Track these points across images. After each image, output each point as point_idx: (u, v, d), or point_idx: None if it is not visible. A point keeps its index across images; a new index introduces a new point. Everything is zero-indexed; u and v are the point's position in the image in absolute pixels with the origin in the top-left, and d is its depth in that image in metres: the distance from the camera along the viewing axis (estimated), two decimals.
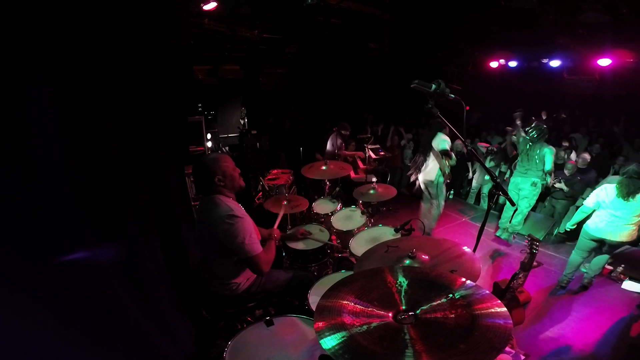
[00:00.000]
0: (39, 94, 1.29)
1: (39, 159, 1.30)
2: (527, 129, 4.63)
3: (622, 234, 3.38)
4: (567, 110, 8.21)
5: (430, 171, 4.62)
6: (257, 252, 2.06)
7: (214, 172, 2.08)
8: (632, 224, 3.34)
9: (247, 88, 8.23)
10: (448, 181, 4.72)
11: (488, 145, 6.35)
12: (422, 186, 4.85)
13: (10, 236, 1.21)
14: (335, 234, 3.28)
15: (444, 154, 4.40)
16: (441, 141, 4.44)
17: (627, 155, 5.70)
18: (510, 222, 4.89)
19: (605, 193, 3.47)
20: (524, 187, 4.64)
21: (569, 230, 4.11)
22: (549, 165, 4.41)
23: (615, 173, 4.90)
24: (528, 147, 4.57)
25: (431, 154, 4.57)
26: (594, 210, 3.59)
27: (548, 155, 4.41)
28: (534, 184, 4.57)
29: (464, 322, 1.13)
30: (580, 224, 3.78)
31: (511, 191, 4.79)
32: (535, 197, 4.72)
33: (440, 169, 4.52)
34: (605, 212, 3.45)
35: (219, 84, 7.33)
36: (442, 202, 4.79)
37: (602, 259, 3.71)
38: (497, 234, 5.06)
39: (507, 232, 4.93)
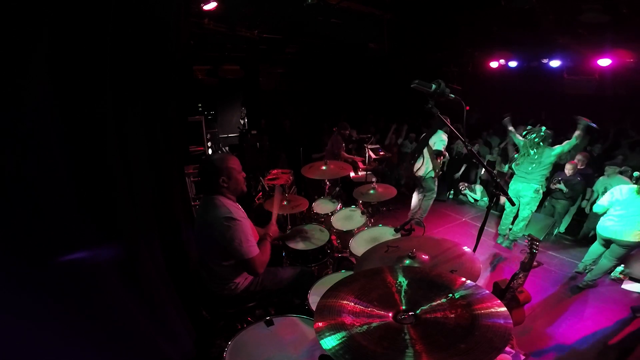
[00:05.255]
0: (39, 94, 1.29)
1: (39, 159, 1.30)
2: (525, 133, 4.48)
3: (630, 234, 3.41)
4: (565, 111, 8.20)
5: (421, 167, 4.69)
6: (253, 254, 2.06)
7: (219, 173, 2.08)
8: None
9: (247, 88, 8.22)
10: (440, 172, 4.79)
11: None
12: (415, 181, 4.94)
13: (10, 236, 1.21)
14: (335, 234, 3.28)
15: (438, 154, 4.47)
16: (438, 140, 4.48)
17: (624, 155, 5.68)
18: (511, 229, 4.79)
19: (619, 192, 3.53)
20: (525, 194, 4.45)
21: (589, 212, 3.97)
22: (566, 146, 4.24)
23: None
24: (533, 152, 4.33)
25: (426, 151, 4.62)
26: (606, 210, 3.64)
27: (558, 150, 4.25)
28: (536, 191, 4.40)
29: (464, 322, 1.13)
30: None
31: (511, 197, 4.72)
32: (537, 203, 4.57)
33: (432, 165, 4.58)
34: (615, 212, 3.51)
35: (219, 84, 7.33)
36: (434, 195, 4.92)
37: (606, 264, 3.72)
38: (498, 242, 4.92)
39: (508, 240, 4.78)
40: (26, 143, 1.26)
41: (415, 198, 5.13)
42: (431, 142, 4.56)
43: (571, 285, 3.93)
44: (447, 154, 4.64)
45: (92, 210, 1.54)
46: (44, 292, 1.31)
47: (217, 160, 2.13)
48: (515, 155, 4.94)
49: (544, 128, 4.37)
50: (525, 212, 4.57)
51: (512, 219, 4.79)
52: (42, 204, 1.31)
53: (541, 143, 4.33)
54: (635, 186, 3.44)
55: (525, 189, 4.44)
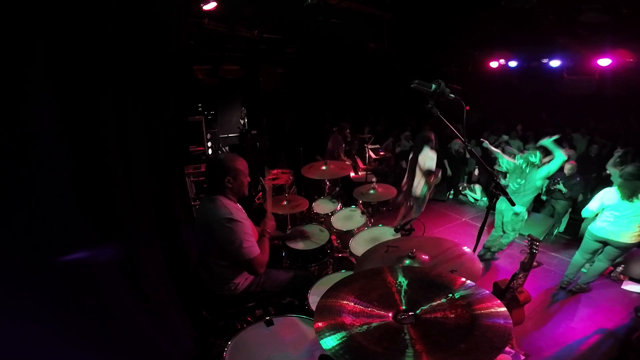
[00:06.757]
0: (39, 94, 1.29)
1: (39, 159, 1.30)
2: (524, 152, 4.18)
3: (625, 235, 3.37)
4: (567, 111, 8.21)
5: (417, 186, 4.37)
6: (254, 255, 2.06)
7: (226, 172, 2.09)
8: (635, 226, 3.32)
9: (247, 88, 8.23)
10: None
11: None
12: (410, 199, 4.57)
13: (10, 236, 1.21)
14: (335, 234, 3.28)
15: (429, 174, 4.17)
16: (428, 159, 4.17)
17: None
18: (498, 240, 4.48)
19: (608, 196, 3.47)
20: (506, 215, 4.17)
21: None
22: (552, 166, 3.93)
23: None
24: (522, 169, 4.05)
25: (417, 169, 4.31)
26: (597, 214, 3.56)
27: (544, 172, 3.92)
28: (516, 214, 4.11)
29: (464, 322, 1.13)
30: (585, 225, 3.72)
31: (495, 216, 4.38)
32: (521, 223, 4.22)
33: (426, 184, 4.29)
34: (610, 213, 3.46)
35: (219, 84, 7.34)
36: (421, 210, 4.60)
37: (600, 266, 3.69)
38: (481, 254, 4.48)
39: (494, 251, 4.53)
40: (26, 143, 1.26)
41: (403, 210, 4.78)
42: (420, 160, 4.23)
43: (570, 287, 3.91)
44: (439, 174, 4.26)
45: (92, 210, 1.54)
46: (44, 292, 1.32)
47: (225, 160, 2.14)
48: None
49: (539, 154, 4.04)
50: (509, 230, 4.27)
51: (500, 233, 4.48)
52: (42, 204, 1.31)
53: (533, 165, 4.00)
54: (619, 190, 3.36)
55: (507, 210, 4.17)
